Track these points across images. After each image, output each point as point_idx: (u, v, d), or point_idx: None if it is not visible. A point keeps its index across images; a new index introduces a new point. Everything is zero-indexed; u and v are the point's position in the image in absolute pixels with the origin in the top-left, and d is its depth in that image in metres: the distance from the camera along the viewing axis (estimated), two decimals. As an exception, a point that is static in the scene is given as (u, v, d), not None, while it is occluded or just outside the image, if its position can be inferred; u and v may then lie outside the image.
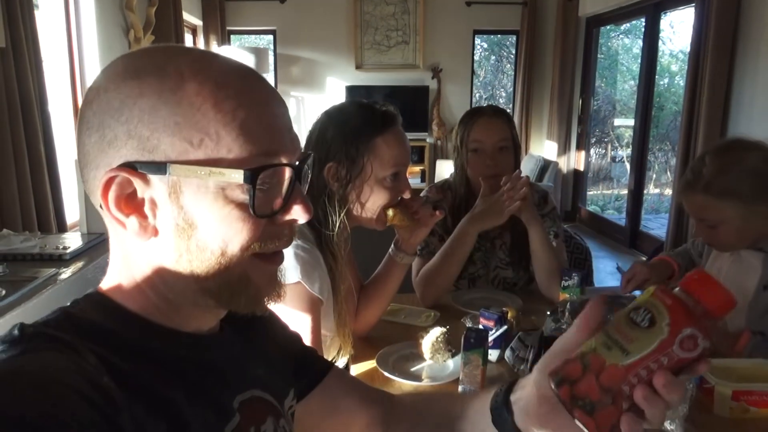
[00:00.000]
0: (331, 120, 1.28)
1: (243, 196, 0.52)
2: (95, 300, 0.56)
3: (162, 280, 0.55)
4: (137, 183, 0.51)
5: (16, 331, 0.48)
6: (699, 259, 1.67)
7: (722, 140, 1.52)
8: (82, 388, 0.44)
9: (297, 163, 0.57)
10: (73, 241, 2.02)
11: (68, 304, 0.55)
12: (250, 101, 0.53)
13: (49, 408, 0.41)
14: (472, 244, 1.63)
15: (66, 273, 1.78)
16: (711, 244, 1.47)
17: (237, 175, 0.51)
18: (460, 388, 1.19)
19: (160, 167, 0.51)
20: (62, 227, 2.71)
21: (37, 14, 3.28)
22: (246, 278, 0.56)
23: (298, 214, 0.57)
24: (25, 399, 0.41)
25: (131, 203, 0.52)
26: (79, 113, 0.54)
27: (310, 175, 0.61)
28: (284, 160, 0.55)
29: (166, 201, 0.52)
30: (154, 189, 0.52)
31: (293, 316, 1.13)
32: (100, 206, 0.53)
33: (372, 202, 1.27)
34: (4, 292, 1.54)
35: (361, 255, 1.62)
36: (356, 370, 1.31)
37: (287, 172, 0.56)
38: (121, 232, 0.54)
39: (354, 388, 0.85)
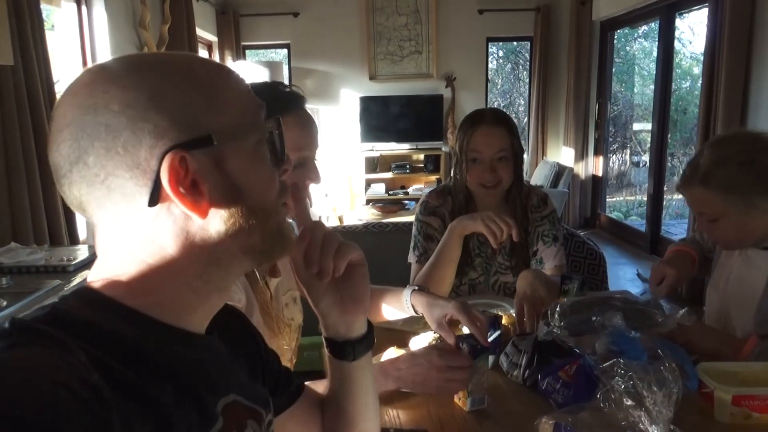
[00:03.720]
0: None
1: (266, 152, 0.60)
2: (87, 296, 0.56)
3: (198, 260, 0.57)
4: (189, 161, 0.53)
5: (7, 325, 0.48)
6: (710, 255, 1.61)
7: (724, 132, 1.48)
8: (71, 384, 0.43)
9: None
10: (79, 253, 2.05)
11: (57, 300, 0.55)
12: (234, 74, 0.61)
13: (38, 403, 0.41)
14: (456, 245, 1.58)
15: (70, 284, 1.80)
16: (713, 239, 1.43)
17: (268, 125, 0.61)
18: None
19: (205, 140, 0.54)
20: (74, 241, 2.75)
21: (52, 34, 3.38)
22: (280, 225, 0.62)
23: (288, 162, 0.65)
24: (14, 394, 0.40)
25: (184, 182, 0.53)
26: (76, 125, 0.53)
27: None
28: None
29: (214, 172, 0.55)
30: (202, 164, 0.54)
31: None
32: (155, 200, 0.53)
33: None
34: (5, 303, 1.57)
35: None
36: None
37: (282, 132, 0.63)
38: (155, 219, 0.54)
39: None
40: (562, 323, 1.12)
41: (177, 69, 0.55)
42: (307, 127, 1.16)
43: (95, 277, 0.57)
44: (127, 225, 0.55)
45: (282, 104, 1.13)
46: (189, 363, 0.58)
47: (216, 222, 0.56)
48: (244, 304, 1.16)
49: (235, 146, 0.56)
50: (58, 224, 2.58)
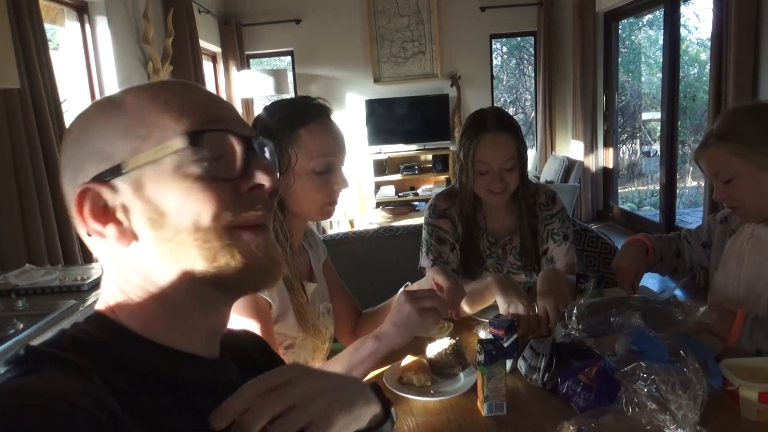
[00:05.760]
0: (258, 120, 1.28)
1: (197, 169, 0.55)
2: (96, 321, 0.57)
3: (158, 287, 0.57)
4: (105, 192, 0.55)
5: (21, 351, 0.49)
6: (701, 249, 1.61)
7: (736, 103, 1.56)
8: (88, 406, 0.44)
9: (248, 136, 0.59)
10: (93, 271, 2.06)
11: (69, 327, 0.57)
12: (185, 90, 0.59)
13: (55, 425, 0.41)
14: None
15: (85, 303, 1.81)
16: (731, 206, 1.42)
17: (181, 142, 0.55)
18: (485, 406, 1.13)
19: (117, 168, 0.55)
20: (88, 259, 2.76)
21: (58, 54, 3.40)
22: (231, 252, 0.56)
23: (260, 178, 0.58)
24: (32, 417, 0.41)
25: (105, 214, 0.55)
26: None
27: (270, 155, 0.63)
28: (228, 129, 0.58)
29: (133, 200, 0.55)
30: (121, 194, 0.55)
31: (243, 324, 1.12)
32: (87, 234, 0.57)
33: (305, 195, 1.25)
34: (22, 325, 1.58)
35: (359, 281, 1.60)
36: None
37: (238, 143, 0.57)
38: (108, 248, 0.57)
39: None
40: (580, 325, 1.10)
41: (109, 102, 0.58)
42: (333, 134, 1.25)
43: (102, 301, 0.60)
44: (98, 252, 0.59)
45: (304, 115, 1.23)
46: (198, 387, 0.58)
47: (145, 250, 0.56)
48: (278, 304, 1.22)
49: (153, 169, 0.55)
50: (71, 243, 2.60)
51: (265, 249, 0.58)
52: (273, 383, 0.57)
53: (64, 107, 2.82)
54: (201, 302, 0.59)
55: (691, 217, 5.88)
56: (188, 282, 0.56)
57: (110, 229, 0.55)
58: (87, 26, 3.53)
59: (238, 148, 0.57)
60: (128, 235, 0.55)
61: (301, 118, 1.23)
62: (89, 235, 0.57)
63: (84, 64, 3.52)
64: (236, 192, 0.57)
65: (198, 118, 0.56)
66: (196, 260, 0.55)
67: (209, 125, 0.56)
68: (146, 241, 0.55)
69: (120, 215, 0.55)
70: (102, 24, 3.56)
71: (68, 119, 2.81)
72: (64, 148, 0.58)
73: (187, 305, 0.59)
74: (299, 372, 0.59)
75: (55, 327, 1.63)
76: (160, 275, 0.56)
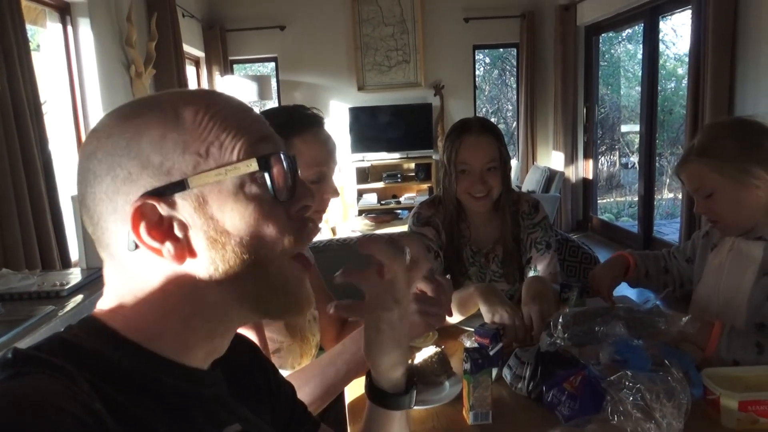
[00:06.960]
0: None
1: (258, 190, 0.55)
2: (91, 326, 0.56)
3: (193, 304, 0.56)
4: (162, 208, 0.53)
5: (9, 355, 0.48)
6: (686, 264, 1.64)
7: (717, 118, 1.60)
8: (75, 411, 0.43)
9: (293, 155, 0.60)
10: (72, 277, 2.02)
11: (62, 330, 0.56)
12: (231, 107, 0.58)
13: (44, 429, 0.41)
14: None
15: (64, 309, 1.77)
16: (712, 220, 1.44)
17: (252, 164, 0.55)
18: (471, 415, 1.13)
19: (180, 184, 0.53)
20: (66, 264, 2.72)
21: (38, 54, 3.35)
22: (283, 277, 0.57)
23: (305, 198, 0.60)
24: (20, 420, 0.41)
25: (160, 230, 0.54)
26: (79, 169, 0.56)
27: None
28: (281, 149, 0.59)
29: (194, 217, 0.54)
30: (179, 210, 0.54)
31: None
32: (135, 245, 0.54)
33: None
34: (-2, 332, 1.54)
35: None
36: (350, 393, 1.28)
37: (286, 163, 0.58)
38: (141, 259, 0.55)
39: None
40: (565, 334, 1.11)
41: (161, 112, 0.55)
42: (325, 144, 1.25)
43: (102, 305, 0.58)
44: (120, 264, 0.57)
45: (298, 125, 1.23)
46: (189, 398, 0.58)
47: (199, 267, 0.55)
48: None
49: (217, 188, 0.54)
50: (49, 248, 2.55)
51: (306, 278, 0.61)
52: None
53: (44, 109, 2.78)
54: (230, 324, 0.61)
55: (668, 228, 5.97)
56: (231, 302, 0.57)
57: (167, 247, 0.54)
58: (69, 28, 3.48)
59: (287, 168, 0.58)
60: (186, 252, 0.54)
61: (295, 127, 1.23)
62: (135, 248, 0.54)
63: (65, 66, 3.47)
64: (287, 215, 0.57)
65: (253, 136, 0.57)
66: (248, 281, 0.56)
67: (266, 146, 0.57)
68: (203, 260, 0.55)
69: (177, 231, 0.54)
70: (84, 26, 3.52)
71: (48, 122, 2.77)
72: (106, 153, 0.54)
73: (215, 325, 0.59)
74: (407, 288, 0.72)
75: (32, 333, 1.59)
76: (206, 293, 0.56)
